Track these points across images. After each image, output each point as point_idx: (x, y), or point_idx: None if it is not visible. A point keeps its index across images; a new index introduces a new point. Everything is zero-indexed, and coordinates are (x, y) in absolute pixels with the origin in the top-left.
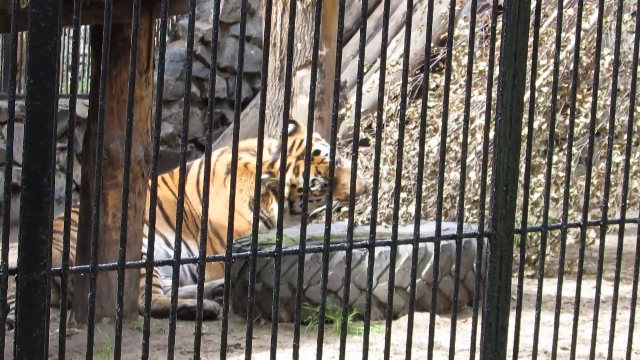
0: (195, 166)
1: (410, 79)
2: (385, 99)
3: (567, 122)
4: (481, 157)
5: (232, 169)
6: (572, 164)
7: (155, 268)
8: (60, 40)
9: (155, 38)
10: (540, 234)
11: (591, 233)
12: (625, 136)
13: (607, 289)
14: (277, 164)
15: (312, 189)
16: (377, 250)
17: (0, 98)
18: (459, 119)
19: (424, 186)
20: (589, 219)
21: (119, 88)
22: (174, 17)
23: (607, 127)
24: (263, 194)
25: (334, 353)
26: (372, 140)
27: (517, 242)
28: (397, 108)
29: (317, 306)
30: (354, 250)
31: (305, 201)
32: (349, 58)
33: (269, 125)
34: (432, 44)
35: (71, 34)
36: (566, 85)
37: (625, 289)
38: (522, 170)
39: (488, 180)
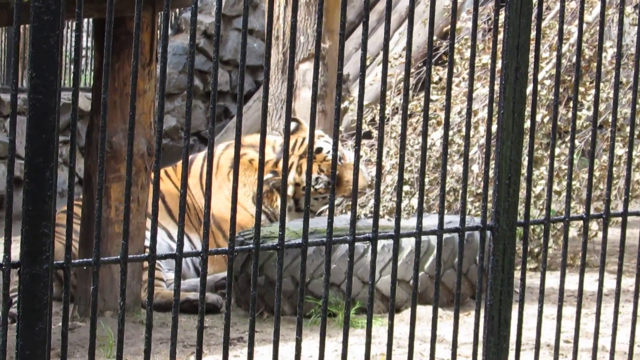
0: (198, 159)
1: (413, 71)
2: (388, 92)
3: (570, 115)
4: (484, 150)
5: (235, 162)
6: (575, 156)
7: (158, 261)
8: (63, 34)
9: (158, 31)
10: (542, 226)
11: (594, 226)
12: (628, 129)
13: (609, 282)
14: (281, 163)
15: (317, 187)
16: (380, 243)
17: (2, 91)
18: (461, 112)
19: (426, 179)
20: (591, 212)
21: (122, 81)
22: (177, 10)
23: (610, 120)
24: (268, 192)
25: (337, 346)
26: (375, 133)
27: (519, 235)
28: (400, 101)
29: (319, 299)
30: (356, 244)
31: (307, 193)
32: (352, 51)
33: (272, 118)
34: (434, 37)
35: (74, 27)
36: (569, 78)
37: (628, 282)
38: (525, 163)
39: (491, 173)
